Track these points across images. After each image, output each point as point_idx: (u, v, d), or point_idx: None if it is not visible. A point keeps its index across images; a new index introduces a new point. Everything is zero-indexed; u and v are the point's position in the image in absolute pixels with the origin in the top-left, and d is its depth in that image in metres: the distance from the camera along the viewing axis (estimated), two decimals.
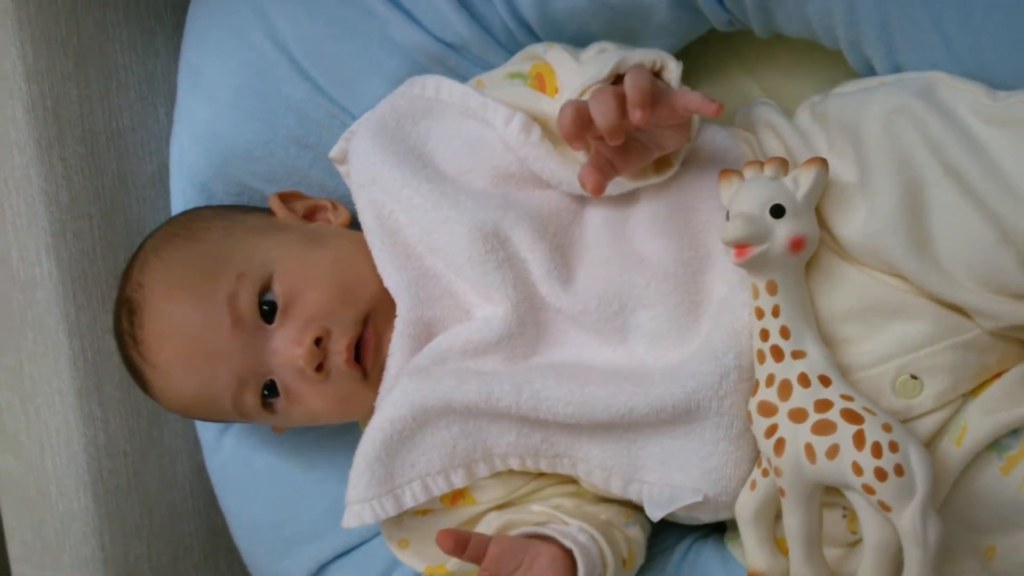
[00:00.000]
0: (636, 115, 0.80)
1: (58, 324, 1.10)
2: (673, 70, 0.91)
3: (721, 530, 1.04)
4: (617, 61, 0.89)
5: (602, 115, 0.81)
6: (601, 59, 0.92)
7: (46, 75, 1.07)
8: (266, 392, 0.97)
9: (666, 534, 1.05)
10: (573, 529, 0.92)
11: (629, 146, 0.86)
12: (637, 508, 1.00)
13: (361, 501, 0.94)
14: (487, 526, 0.97)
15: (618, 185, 0.93)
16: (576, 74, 0.94)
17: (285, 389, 0.97)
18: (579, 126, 0.82)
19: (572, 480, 0.98)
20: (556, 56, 0.97)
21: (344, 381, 0.96)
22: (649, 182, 0.92)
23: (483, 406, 0.90)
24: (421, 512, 0.98)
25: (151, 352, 0.98)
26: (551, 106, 0.94)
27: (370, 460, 0.93)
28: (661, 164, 0.92)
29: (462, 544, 0.86)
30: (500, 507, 0.98)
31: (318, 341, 0.94)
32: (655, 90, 0.83)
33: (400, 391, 0.92)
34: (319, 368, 0.94)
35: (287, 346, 0.95)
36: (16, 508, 1.16)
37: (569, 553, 0.88)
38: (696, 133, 0.93)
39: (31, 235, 1.08)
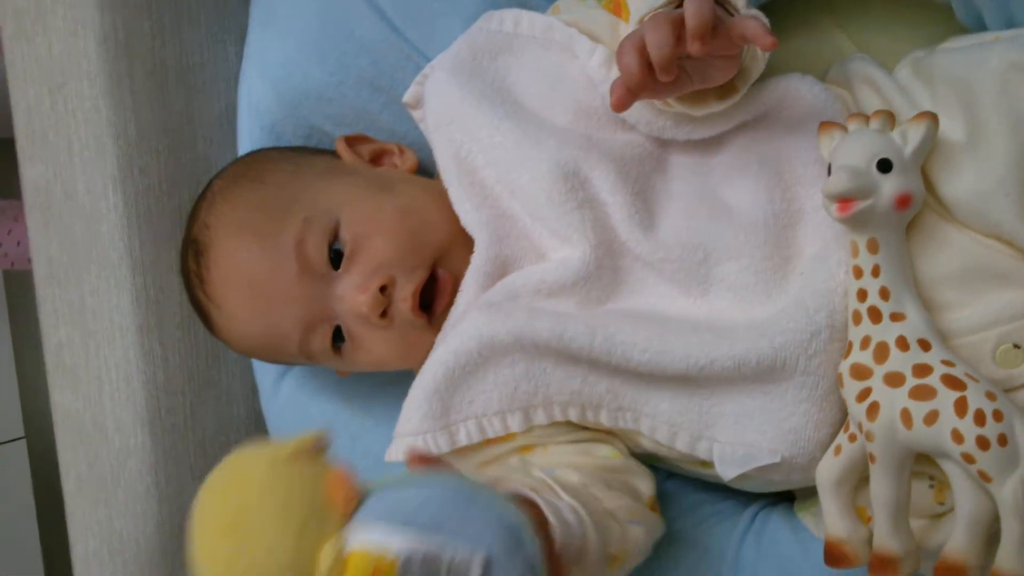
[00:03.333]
0: (695, 47, 0.76)
1: (121, 259, 1.09)
2: None
3: (785, 499, 1.01)
4: None
5: (657, 46, 0.78)
6: None
7: (120, 6, 1.06)
8: (333, 337, 0.96)
9: (724, 503, 1.03)
10: (563, 505, 0.82)
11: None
12: (650, 505, 0.94)
13: (413, 434, 0.91)
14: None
15: (692, 128, 0.90)
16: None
17: (350, 335, 0.96)
18: (642, 74, 0.79)
19: (614, 437, 0.94)
20: None
21: (408, 328, 0.94)
22: (711, 110, 0.88)
23: (554, 344, 0.87)
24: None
25: (217, 294, 0.98)
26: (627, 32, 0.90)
27: (428, 393, 0.91)
28: (726, 89, 0.88)
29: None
30: (527, 448, 0.93)
31: (383, 288, 0.92)
32: (714, 19, 0.78)
33: (469, 323, 0.90)
34: (383, 314, 0.93)
35: (351, 293, 0.94)
36: (72, 443, 1.16)
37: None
38: (760, 63, 0.87)
39: (98, 168, 1.08)
